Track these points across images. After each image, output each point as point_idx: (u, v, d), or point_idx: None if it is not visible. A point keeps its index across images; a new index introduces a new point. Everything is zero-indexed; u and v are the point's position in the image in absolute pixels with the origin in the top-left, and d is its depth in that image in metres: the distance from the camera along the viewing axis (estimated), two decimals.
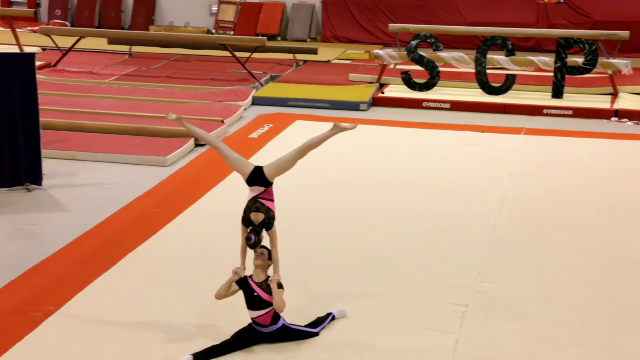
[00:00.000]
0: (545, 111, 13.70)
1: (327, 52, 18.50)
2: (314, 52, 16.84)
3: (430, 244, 7.74)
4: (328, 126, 5.81)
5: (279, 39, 20.71)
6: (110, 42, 17.48)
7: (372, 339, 5.85)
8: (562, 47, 14.11)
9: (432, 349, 5.75)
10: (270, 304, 5.61)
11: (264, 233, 5.65)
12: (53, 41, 16.69)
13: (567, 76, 14.21)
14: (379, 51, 15.07)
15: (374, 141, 11.39)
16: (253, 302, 5.63)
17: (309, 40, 20.70)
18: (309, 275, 6.90)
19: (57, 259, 7.25)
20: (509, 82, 14.33)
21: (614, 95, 14.44)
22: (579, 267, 7.29)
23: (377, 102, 14.22)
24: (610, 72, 14.37)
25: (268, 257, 5.66)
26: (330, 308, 6.16)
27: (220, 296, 5.74)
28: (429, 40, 14.81)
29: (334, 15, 20.79)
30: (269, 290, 5.60)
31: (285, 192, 7.65)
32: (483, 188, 9.46)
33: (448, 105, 14.03)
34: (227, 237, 7.14)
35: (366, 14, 20.64)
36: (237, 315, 5.88)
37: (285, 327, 5.75)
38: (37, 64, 9.49)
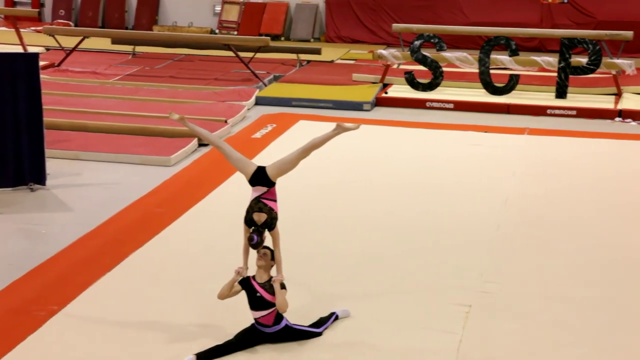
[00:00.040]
0: (548, 111, 13.68)
1: (331, 52, 18.48)
2: (317, 52, 16.82)
3: (433, 244, 7.74)
4: (331, 126, 5.81)
5: (282, 38, 20.70)
6: (114, 42, 17.47)
7: (375, 339, 5.85)
8: (565, 47, 14.09)
9: (435, 349, 5.75)
10: (272, 304, 5.61)
11: (267, 233, 5.64)
12: (56, 41, 16.70)
13: (570, 76, 14.18)
14: (382, 51, 15.06)
15: (376, 141, 11.38)
16: (255, 303, 5.63)
17: (312, 40, 20.69)
18: (312, 276, 6.90)
19: (61, 258, 7.26)
20: (513, 82, 14.31)
21: (618, 95, 14.41)
22: (580, 267, 7.29)
23: (380, 102, 14.22)
24: (613, 72, 14.34)
25: (270, 257, 5.66)
26: (332, 308, 6.16)
27: (222, 296, 5.74)
28: (432, 40, 14.79)
29: (338, 15, 20.77)
30: (271, 291, 5.60)
31: (287, 192, 7.65)
32: (486, 188, 9.45)
33: (451, 105, 14.01)
34: (230, 237, 7.14)
35: (369, 13, 20.62)
36: (239, 315, 5.88)
37: (288, 327, 5.75)
38: (41, 63, 9.48)
